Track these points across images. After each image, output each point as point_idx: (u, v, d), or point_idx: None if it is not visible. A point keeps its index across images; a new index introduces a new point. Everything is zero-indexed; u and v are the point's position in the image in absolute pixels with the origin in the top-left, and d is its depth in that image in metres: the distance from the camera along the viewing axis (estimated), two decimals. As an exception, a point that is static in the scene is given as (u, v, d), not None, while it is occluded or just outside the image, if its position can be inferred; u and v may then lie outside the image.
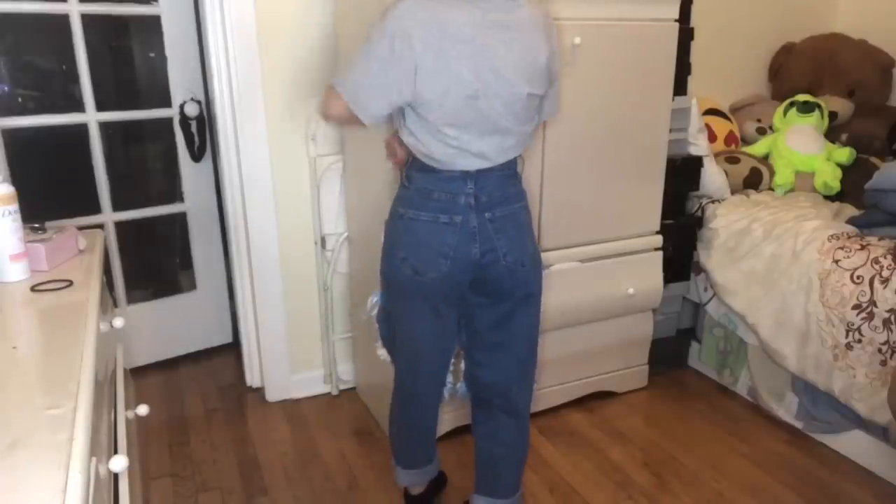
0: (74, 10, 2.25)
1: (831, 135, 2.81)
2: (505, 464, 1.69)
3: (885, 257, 1.92)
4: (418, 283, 1.49)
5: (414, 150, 1.45)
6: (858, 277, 1.95)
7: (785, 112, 2.78)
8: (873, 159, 2.65)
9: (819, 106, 2.75)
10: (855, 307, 1.95)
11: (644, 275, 2.32)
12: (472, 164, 1.43)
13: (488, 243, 1.47)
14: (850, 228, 2.14)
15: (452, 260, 1.46)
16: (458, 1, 1.35)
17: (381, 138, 1.88)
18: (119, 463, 0.97)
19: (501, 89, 1.38)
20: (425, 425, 1.77)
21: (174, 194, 2.63)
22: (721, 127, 2.81)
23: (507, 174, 1.49)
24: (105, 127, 2.42)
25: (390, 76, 1.34)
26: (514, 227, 1.51)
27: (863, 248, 1.99)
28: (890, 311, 1.87)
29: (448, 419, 2.15)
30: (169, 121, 2.52)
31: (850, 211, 2.39)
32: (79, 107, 2.35)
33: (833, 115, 2.83)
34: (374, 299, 1.74)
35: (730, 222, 2.41)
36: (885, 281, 1.89)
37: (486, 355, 1.62)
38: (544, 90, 1.48)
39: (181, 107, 2.51)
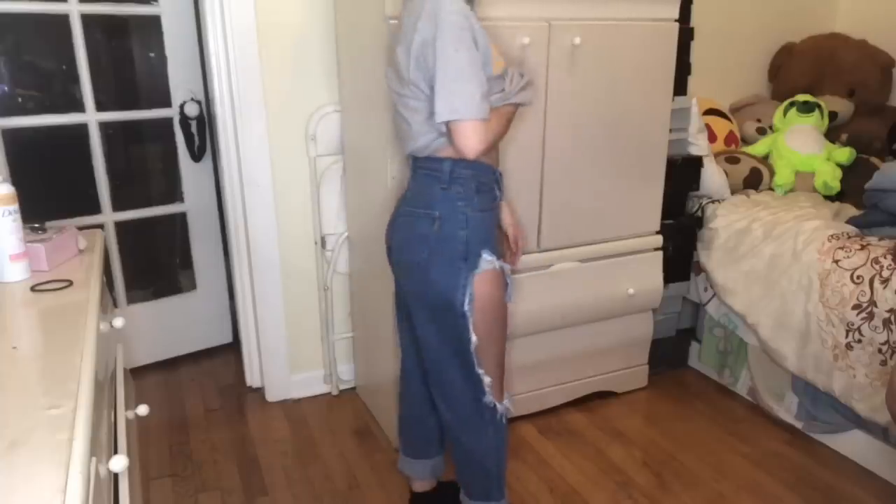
0: (74, 10, 2.25)
1: (831, 135, 2.81)
2: (456, 465, 1.68)
3: (885, 257, 1.92)
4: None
5: None
6: (858, 277, 1.95)
7: (785, 112, 2.78)
8: (873, 159, 2.66)
9: (819, 106, 2.75)
10: (855, 307, 1.95)
11: (644, 275, 2.32)
12: (403, 150, 1.57)
13: (392, 235, 1.58)
14: (850, 228, 2.14)
15: (385, 238, 1.63)
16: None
17: (378, 138, 1.88)
18: (119, 463, 0.97)
19: (395, 90, 1.49)
20: (415, 412, 1.78)
21: (174, 194, 2.63)
22: (721, 127, 2.81)
23: (427, 174, 1.49)
24: (105, 127, 2.42)
25: None
26: (408, 228, 1.51)
27: (863, 248, 1.99)
28: (890, 311, 1.87)
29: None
30: (169, 121, 2.52)
31: (850, 211, 2.39)
32: (79, 107, 2.35)
33: (833, 115, 2.83)
34: None
35: (730, 222, 2.40)
36: (885, 281, 1.89)
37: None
38: (406, 90, 1.42)
39: (181, 107, 2.51)
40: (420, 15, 1.36)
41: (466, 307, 1.47)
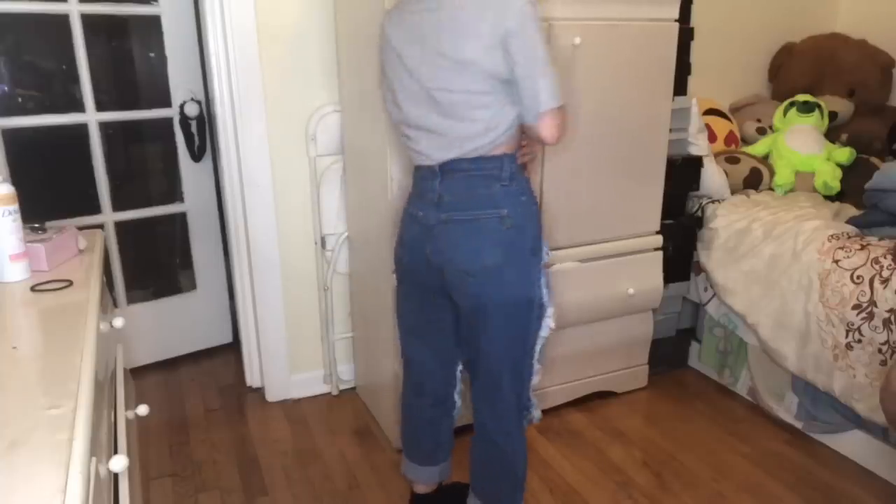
0: (74, 10, 2.25)
1: (831, 135, 2.81)
2: (481, 470, 1.66)
3: (885, 257, 1.92)
4: (399, 268, 1.63)
5: None
6: (858, 277, 1.95)
7: (785, 112, 2.78)
8: (873, 159, 2.65)
9: (819, 106, 2.75)
10: (855, 307, 1.95)
11: (644, 275, 2.32)
12: (422, 161, 1.49)
13: (438, 244, 1.47)
14: (850, 228, 2.14)
15: (411, 253, 1.55)
16: (408, 3, 1.46)
17: (378, 138, 1.88)
18: (119, 463, 0.97)
19: (417, 88, 1.42)
20: (426, 416, 1.76)
21: (174, 194, 2.63)
22: (721, 127, 2.81)
23: (479, 174, 1.43)
24: (105, 127, 2.42)
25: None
26: (471, 233, 1.44)
27: (863, 248, 1.99)
28: (890, 311, 1.87)
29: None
30: (169, 121, 2.52)
31: (850, 211, 2.39)
32: (79, 107, 2.35)
33: (833, 115, 2.83)
34: None
35: (730, 222, 2.40)
36: (885, 281, 1.89)
37: (468, 364, 1.63)
38: (479, 85, 1.38)
39: (181, 107, 2.51)
40: (486, 7, 1.33)
41: (546, 299, 1.51)
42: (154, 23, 2.41)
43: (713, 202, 2.52)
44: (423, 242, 1.50)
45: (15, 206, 1.36)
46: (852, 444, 2.12)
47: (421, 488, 1.84)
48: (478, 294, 1.46)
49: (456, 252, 1.45)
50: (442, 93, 1.40)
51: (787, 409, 2.29)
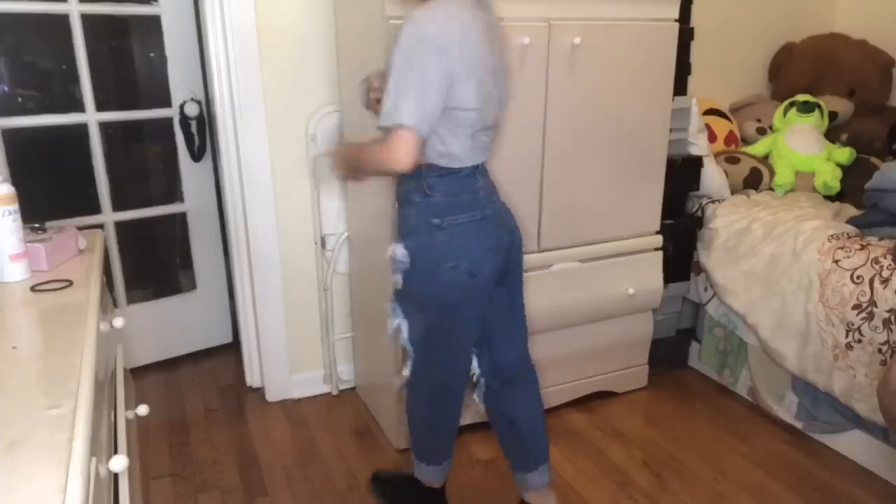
0: (74, 10, 2.25)
1: (831, 135, 2.81)
2: (540, 430, 1.76)
3: (885, 257, 1.92)
4: (473, 286, 1.50)
5: (433, 150, 1.43)
6: (858, 277, 1.95)
7: (785, 112, 2.78)
8: (873, 159, 2.65)
9: (819, 106, 2.75)
10: (855, 307, 1.95)
11: (644, 275, 2.32)
12: (481, 158, 1.52)
13: (506, 228, 1.58)
14: (850, 228, 2.14)
15: (496, 251, 1.53)
16: (469, 7, 1.40)
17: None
18: (119, 463, 0.97)
19: (501, 88, 1.51)
20: (457, 419, 1.78)
21: (174, 194, 2.63)
22: (721, 127, 2.81)
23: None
24: (105, 127, 2.42)
25: (434, 91, 1.35)
26: (506, 206, 1.62)
27: (863, 248, 1.99)
28: (890, 311, 1.87)
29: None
30: (169, 121, 2.52)
31: (850, 211, 2.39)
32: (79, 107, 2.35)
33: (833, 115, 2.83)
34: (395, 323, 1.61)
35: (730, 222, 2.41)
36: (885, 281, 1.89)
37: (502, 337, 1.69)
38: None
39: (181, 107, 2.51)
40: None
41: None
42: (154, 23, 2.41)
43: (713, 202, 2.52)
44: (498, 234, 1.55)
45: (15, 206, 1.36)
46: (852, 444, 2.12)
47: (438, 484, 1.84)
48: (521, 257, 1.66)
49: (514, 225, 1.62)
50: (504, 98, 1.54)
51: (787, 409, 2.29)
